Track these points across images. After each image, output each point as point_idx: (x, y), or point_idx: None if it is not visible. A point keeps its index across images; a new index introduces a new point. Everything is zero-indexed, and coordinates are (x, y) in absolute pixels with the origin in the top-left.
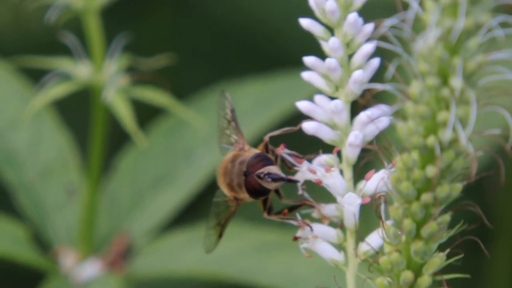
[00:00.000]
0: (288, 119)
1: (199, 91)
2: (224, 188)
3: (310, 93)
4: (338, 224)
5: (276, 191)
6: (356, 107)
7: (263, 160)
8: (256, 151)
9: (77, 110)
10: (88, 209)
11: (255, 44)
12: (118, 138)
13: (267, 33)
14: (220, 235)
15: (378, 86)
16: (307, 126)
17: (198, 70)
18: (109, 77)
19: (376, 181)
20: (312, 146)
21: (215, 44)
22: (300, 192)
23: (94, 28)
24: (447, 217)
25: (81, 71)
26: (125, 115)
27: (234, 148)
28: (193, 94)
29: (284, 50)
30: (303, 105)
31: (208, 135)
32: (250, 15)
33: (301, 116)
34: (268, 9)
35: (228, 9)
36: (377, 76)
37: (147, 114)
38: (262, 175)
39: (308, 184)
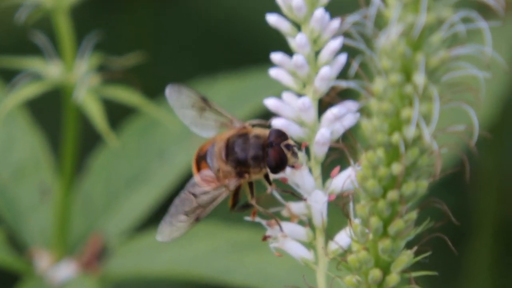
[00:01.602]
0: (261, 116)
1: None
2: (215, 169)
3: (282, 90)
4: (307, 222)
5: (266, 176)
6: (322, 104)
7: (284, 134)
8: (261, 129)
9: (49, 110)
10: (62, 209)
11: (235, 40)
12: (91, 138)
13: (248, 29)
14: (197, 220)
15: (342, 83)
16: (276, 123)
17: (169, 67)
18: (80, 76)
19: (343, 179)
20: None
21: (195, 40)
22: (269, 190)
23: (64, 27)
24: (413, 215)
25: (52, 71)
26: (96, 115)
27: (228, 128)
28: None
29: (263, 46)
30: (271, 103)
31: (181, 133)
32: (231, 10)
33: (274, 114)
34: (248, 5)
35: (209, 4)
36: (342, 73)
37: (119, 113)
38: (290, 146)
39: (276, 181)
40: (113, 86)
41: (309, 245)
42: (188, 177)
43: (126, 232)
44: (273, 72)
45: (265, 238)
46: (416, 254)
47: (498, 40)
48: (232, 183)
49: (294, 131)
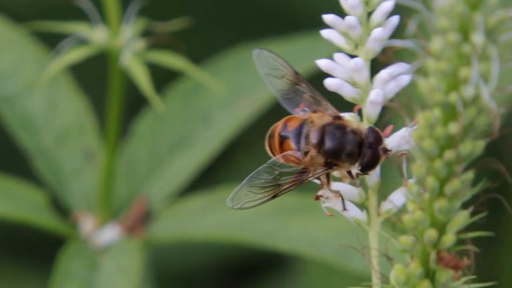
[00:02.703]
0: (309, 80)
1: (215, 55)
2: (302, 152)
3: (329, 54)
4: (359, 182)
5: (350, 172)
6: (376, 65)
7: (381, 136)
8: (356, 123)
9: (94, 75)
10: (106, 174)
11: (270, 6)
12: (135, 103)
13: None
14: (274, 197)
15: (399, 43)
16: (330, 83)
17: (213, 33)
18: (126, 41)
19: (397, 138)
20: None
21: (229, 7)
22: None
23: None
24: (470, 175)
25: (97, 35)
26: (142, 79)
27: (321, 111)
28: (209, 57)
29: (299, 12)
30: (323, 63)
31: (224, 98)
32: None
33: (321, 78)
34: None
35: None
36: (398, 34)
37: (163, 78)
38: (386, 151)
39: None
40: (158, 51)
41: (362, 206)
42: (232, 142)
43: (169, 196)
44: (325, 33)
45: (317, 197)
46: (472, 214)
47: None
48: (318, 171)
49: (346, 91)
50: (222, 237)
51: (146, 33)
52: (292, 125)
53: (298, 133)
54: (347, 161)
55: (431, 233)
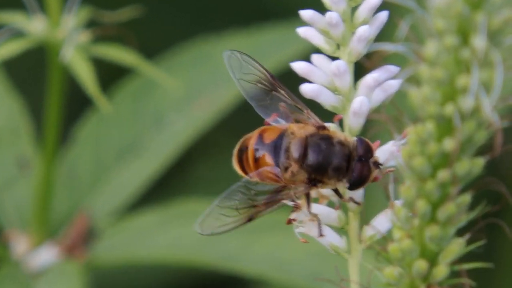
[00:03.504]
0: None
1: (170, 48)
2: (282, 168)
3: (305, 49)
4: (338, 204)
5: (337, 190)
6: (361, 70)
7: (371, 148)
8: (342, 134)
9: (31, 71)
10: (43, 186)
11: None
12: (77, 103)
13: None
14: (250, 220)
15: (388, 46)
16: (307, 89)
17: (170, 23)
18: (67, 33)
19: (384, 155)
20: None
21: None
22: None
23: None
24: (467, 197)
25: (35, 26)
26: (86, 76)
27: (302, 121)
28: (164, 51)
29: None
30: (299, 67)
31: (181, 98)
32: None
33: (292, 77)
34: None
35: None
36: (386, 35)
37: (111, 75)
38: (378, 165)
39: None
40: (105, 44)
41: (341, 231)
42: (191, 148)
43: (116, 212)
44: (302, 31)
45: (289, 221)
46: (468, 242)
47: None
48: (300, 189)
49: (326, 99)
50: (176, 259)
51: (91, 24)
52: (269, 137)
53: (277, 146)
54: (334, 176)
55: (421, 265)
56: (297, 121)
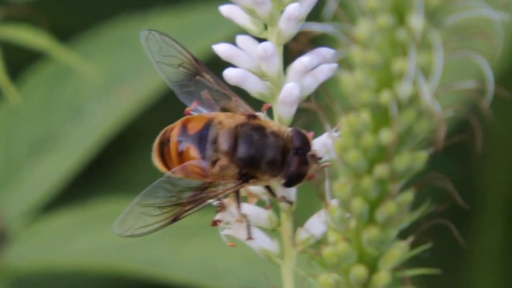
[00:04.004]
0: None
1: (88, 30)
2: (209, 161)
3: (235, 31)
4: (269, 203)
5: (269, 188)
6: (290, 54)
7: (308, 140)
8: (274, 123)
9: None
10: None
11: None
12: None
13: None
14: (175, 220)
15: (316, 27)
16: (230, 74)
17: (87, 2)
18: None
19: (318, 148)
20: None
21: None
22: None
23: None
24: (409, 196)
25: None
26: None
27: (230, 109)
28: (80, 33)
29: None
30: (222, 49)
31: (101, 86)
32: None
33: (219, 61)
34: None
35: None
36: (315, 14)
37: (21, 60)
38: (316, 158)
39: None
40: (13, 26)
41: (272, 233)
42: (111, 142)
43: (30, 213)
44: (224, 9)
45: (214, 223)
46: (412, 245)
47: None
48: (230, 186)
49: (252, 85)
50: (96, 265)
51: None
52: (194, 127)
53: (202, 137)
54: (268, 171)
55: (359, 271)
56: (225, 110)
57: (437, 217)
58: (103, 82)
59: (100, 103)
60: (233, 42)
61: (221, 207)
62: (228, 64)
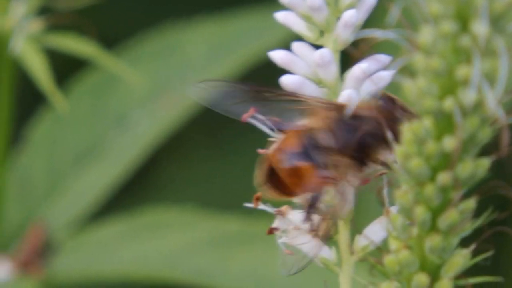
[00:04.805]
0: (252, 70)
1: (132, 38)
2: (328, 166)
3: (282, 38)
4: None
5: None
6: (347, 60)
7: (394, 98)
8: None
9: None
10: None
11: None
12: (30, 101)
13: None
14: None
15: (377, 33)
16: (288, 81)
17: (130, 10)
18: (17, 21)
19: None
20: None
21: None
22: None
23: None
24: (471, 203)
25: None
26: (39, 70)
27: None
28: (126, 41)
29: None
30: (279, 56)
31: (145, 94)
32: None
33: (269, 68)
34: None
35: None
36: (376, 21)
37: (67, 69)
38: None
39: None
40: (60, 34)
41: (330, 241)
42: (158, 148)
43: (75, 222)
44: (280, 16)
45: (271, 230)
46: (474, 253)
47: None
48: (355, 177)
49: (310, 91)
50: (143, 275)
51: (44, 10)
52: (291, 145)
53: (305, 149)
54: (378, 146)
55: (421, 279)
56: (304, 112)
57: (499, 225)
58: (148, 90)
59: (144, 112)
60: (282, 48)
61: (279, 214)
62: (281, 72)
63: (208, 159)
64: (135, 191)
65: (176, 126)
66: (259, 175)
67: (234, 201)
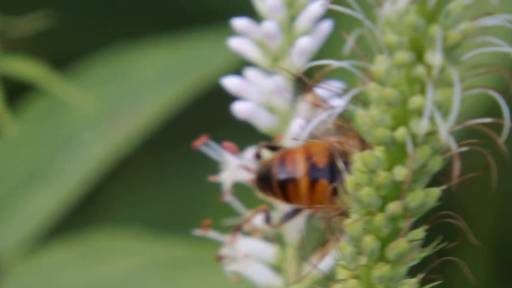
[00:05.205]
0: (203, 94)
1: (86, 60)
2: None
3: (233, 61)
4: (274, 238)
5: None
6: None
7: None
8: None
9: None
10: None
11: None
12: None
13: None
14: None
15: (332, 62)
16: (241, 108)
17: (93, 29)
18: None
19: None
20: (239, 136)
21: None
22: (227, 197)
23: None
24: (420, 233)
25: None
26: None
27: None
28: (79, 63)
29: (199, 4)
30: (231, 82)
31: (96, 117)
32: None
33: (219, 91)
34: None
35: None
36: (330, 50)
37: (17, 91)
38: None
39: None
40: (10, 57)
41: (278, 269)
42: (109, 172)
43: (23, 245)
44: (234, 43)
45: (218, 258)
46: (422, 283)
47: None
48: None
49: (261, 120)
50: None
51: None
52: (320, 160)
53: (331, 167)
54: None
55: None
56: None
57: (448, 254)
58: (98, 114)
59: (94, 135)
60: (234, 72)
61: (228, 242)
62: (231, 95)
63: (151, 180)
64: (81, 212)
65: (126, 150)
66: (276, 178)
67: (178, 222)
